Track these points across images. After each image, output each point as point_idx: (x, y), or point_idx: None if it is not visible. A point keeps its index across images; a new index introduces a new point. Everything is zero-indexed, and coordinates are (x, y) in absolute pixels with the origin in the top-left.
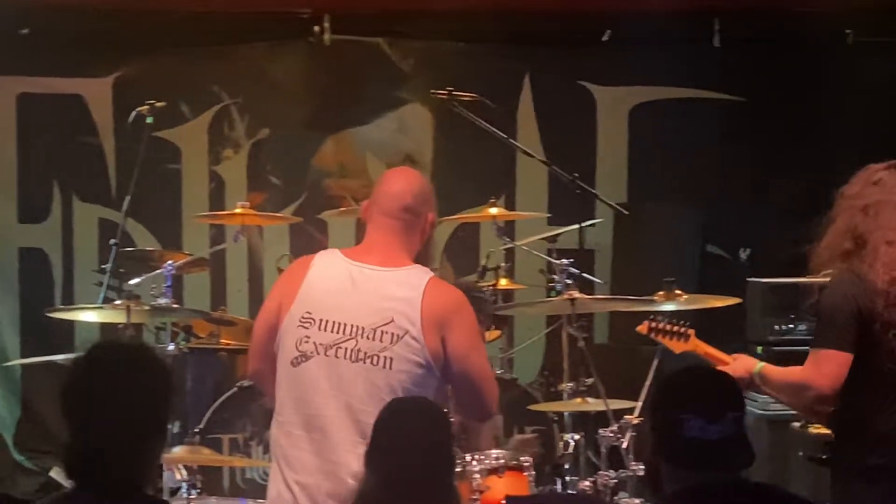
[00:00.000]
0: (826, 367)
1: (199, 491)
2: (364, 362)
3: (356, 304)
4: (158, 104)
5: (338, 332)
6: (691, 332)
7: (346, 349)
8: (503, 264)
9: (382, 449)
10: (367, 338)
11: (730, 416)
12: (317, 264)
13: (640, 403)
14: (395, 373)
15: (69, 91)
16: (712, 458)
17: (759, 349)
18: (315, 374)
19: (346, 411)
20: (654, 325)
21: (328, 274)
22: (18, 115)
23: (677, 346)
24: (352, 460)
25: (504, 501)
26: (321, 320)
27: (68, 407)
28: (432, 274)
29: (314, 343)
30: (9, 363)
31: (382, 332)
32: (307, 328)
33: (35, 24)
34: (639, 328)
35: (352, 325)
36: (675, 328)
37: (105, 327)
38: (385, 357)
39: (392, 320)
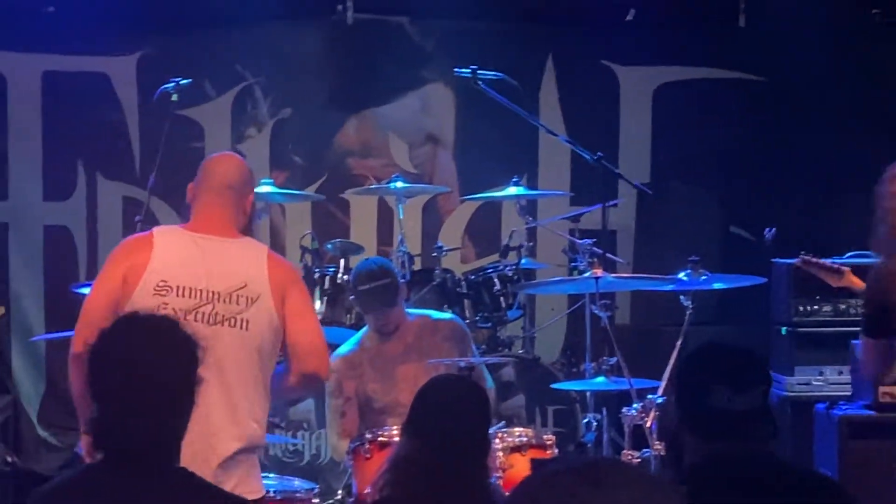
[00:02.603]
0: (863, 352)
1: None
2: (222, 325)
3: (208, 271)
4: (183, 82)
5: (196, 298)
6: (846, 269)
7: (204, 313)
8: (525, 243)
9: (421, 422)
10: (224, 301)
11: (756, 389)
12: (159, 238)
13: (663, 383)
14: (252, 335)
15: (94, 69)
16: (737, 429)
17: (784, 330)
18: None
19: (211, 374)
20: (808, 258)
21: (175, 245)
22: (43, 93)
23: (833, 281)
24: (224, 422)
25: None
26: (178, 287)
27: (95, 379)
28: (262, 244)
29: (173, 309)
30: (33, 338)
31: (238, 295)
32: (164, 296)
33: (60, 2)
34: (796, 262)
35: (208, 291)
36: (830, 264)
37: None
38: (242, 319)
39: (246, 285)
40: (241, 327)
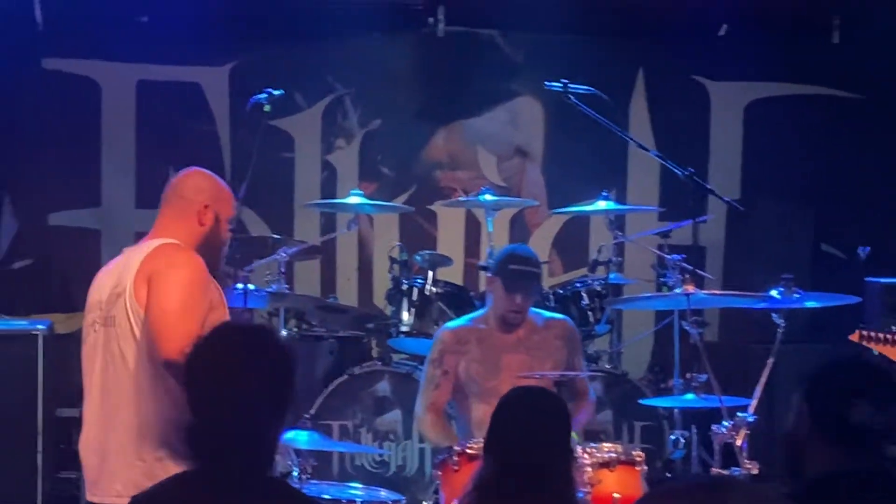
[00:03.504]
0: None
1: (309, 476)
2: (105, 327)
3: (107, 281)
4: (276, 92)
5: (98, 310)
6: None
7: (99, 320)
8: (614, 258)
9: (501, 440)
10: (107, 303)
11: (892, 408)
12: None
13: (754, 401)
14: (117, 329)
15: (187, 79)
16: (874, 443)
17: (876, 350)
18: (84, 352)
19: (96, 379)
20: (865, 333)
21: (107, 265)
22: (137, 102)
23: (894, 353)
24: (97, 429)
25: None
26: (91, 302)
27: (190, 387)
28: (173, 241)
29: (85, 325)
30: None
31: (113, 294)
32: (87, 315)
33: (154, 13)
34: (851, 336)
35: (101, 299)
36: (890, 335)
37: None
38: (111, 317)
39: (118, 283)
40: (111, 325)
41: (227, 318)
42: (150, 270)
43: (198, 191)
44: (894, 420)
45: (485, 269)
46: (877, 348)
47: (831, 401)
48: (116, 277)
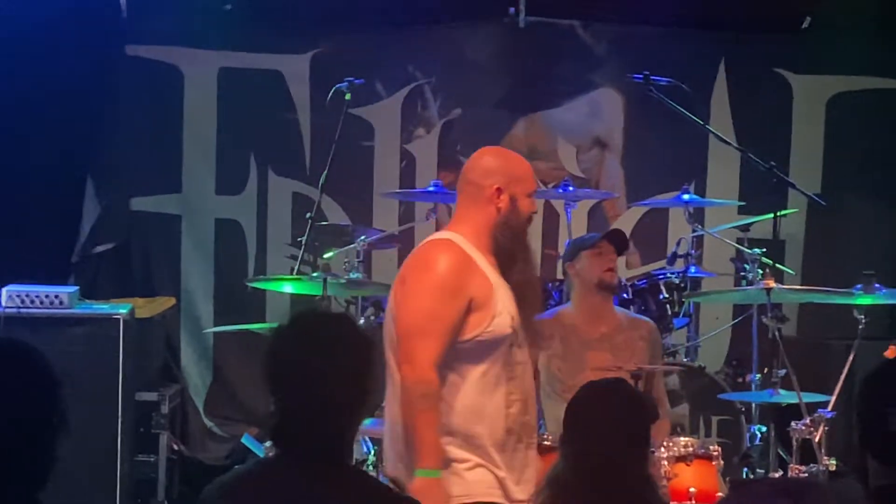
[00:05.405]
0: None
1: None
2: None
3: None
4: (357, 81)
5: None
6: None
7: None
8: (693, 251)
9: (574, 437)
10: None
11: None
12: None
13: (833, 397)
14: (386, 324)
15: (268, 66)
16: None
17: None
18: None
19: None
20: None
21: None
22: (219, 89)
23: None
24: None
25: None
26: None
27: (273, 373)
28: (444, 237)
29: None
30: (207, 330)
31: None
32: None
33: (238, 0)
34: (886, 353)
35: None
36: None
37: (295, 299)
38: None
39: None
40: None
41: (500, 313)
42: (402, 274)
43: (487, 174)
44: None
45: (569, 260)
46: None
47: (873, 413)
48: None
